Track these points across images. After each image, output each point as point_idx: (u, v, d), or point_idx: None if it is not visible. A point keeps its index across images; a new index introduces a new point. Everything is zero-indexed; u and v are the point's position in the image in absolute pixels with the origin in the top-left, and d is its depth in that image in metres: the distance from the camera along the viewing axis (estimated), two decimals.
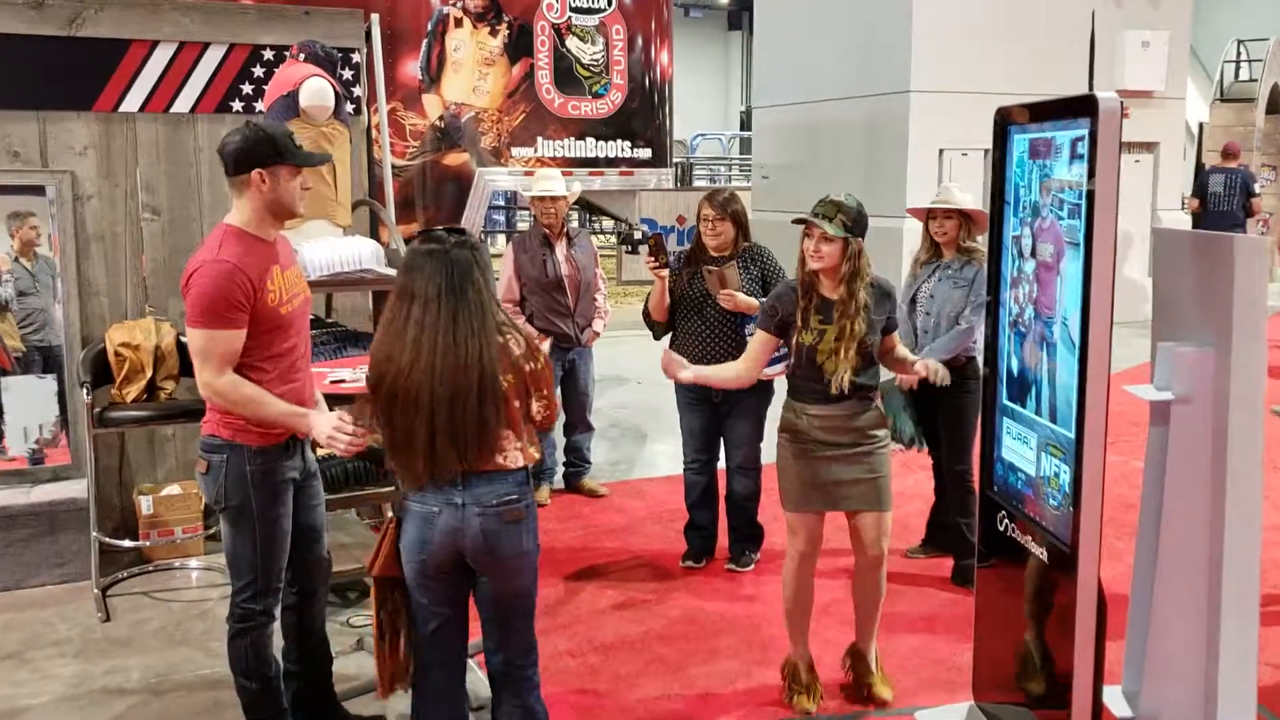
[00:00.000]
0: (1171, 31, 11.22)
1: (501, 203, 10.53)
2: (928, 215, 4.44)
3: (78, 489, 4.58)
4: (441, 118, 7.61)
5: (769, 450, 4.75)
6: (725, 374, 3.68)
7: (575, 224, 11.60)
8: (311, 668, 3.38)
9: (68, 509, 4.55)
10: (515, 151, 7.86)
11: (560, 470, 5.88)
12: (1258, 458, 2.98)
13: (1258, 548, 3.02)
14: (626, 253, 8.94)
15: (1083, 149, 2.74)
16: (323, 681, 3.41)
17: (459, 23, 7.55)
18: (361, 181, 5.31)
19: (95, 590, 4.37)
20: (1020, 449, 3.16)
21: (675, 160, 11.46)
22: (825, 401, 3.42)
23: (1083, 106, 2.72)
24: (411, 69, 7.46)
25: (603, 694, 3.68)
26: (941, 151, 10.30)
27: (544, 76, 7.84)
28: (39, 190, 4.68)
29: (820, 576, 3.65)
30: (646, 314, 4.69)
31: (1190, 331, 3.06)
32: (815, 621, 3.69)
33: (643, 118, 8.28)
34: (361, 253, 4.23)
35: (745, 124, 25.62)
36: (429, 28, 7.45)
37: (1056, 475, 2.95)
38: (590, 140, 8.06)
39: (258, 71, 4.94)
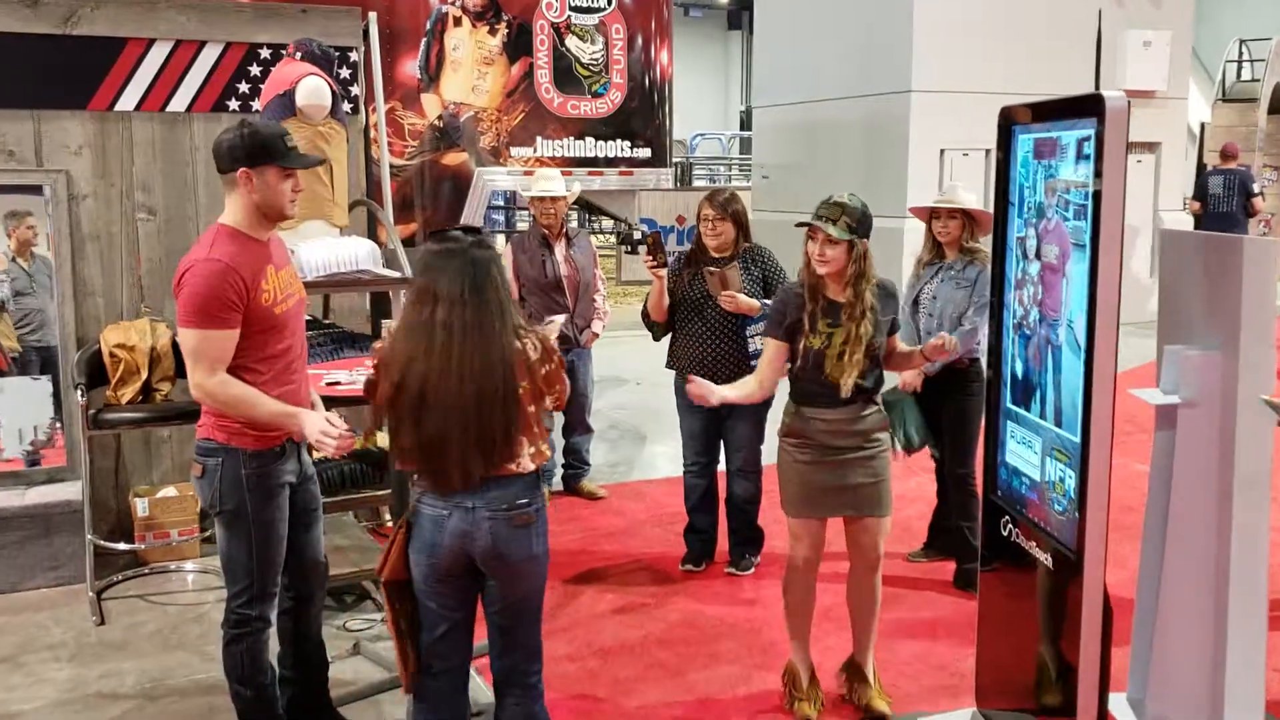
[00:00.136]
0: (1173, 31, 11.19)
1: (500, 203, 10.48)
2: (931, 215, 4.40)
3: (73, 491, 4.54)
4: (440, 117, 7.58)
5: (769, 453, 4.74)
6: (748, 389, 3.55)
7: (574, 224, 11.56)
8: (307, 673, 3.35)
9: (63, 511, 4.51)
10: (514, 151, 7.84)
11: (559, 472, 5.85)
12: (1266, 461, 2.95)
13: (1265, 552, 2.99)
14: (626, 253, 8.90)
15: (1089, 149, 2.71)
16: (319, 687, 3.38)
17: (458, 21, 7.52)
18: (359, 181, 5.28)
19: (90, 593, 4.33)
20: (1024, 453, 3.13)
21: (675, 160, 11.43)
22: (831, 405, 3.37)
23: (1089, 106, 2.68)
24: (410, 68, 7.43)
25: (602, 699, 3.65)
26: (942, 151, 10.27)
27: (543, 76, 7.82)
28: (36, 190, 4.65)
29: (820, 580, 3.61)
30: (645, 314, 4.66)
31: (1197, 334, 3.03)
32: (816, 626, 3.65)
33: (642, 117, 8.25)
34: (358, 253, 4.20)
35: (745, 124, 25.60)
36: (427, 26, 7.43)
37: (1061, 480, 2.92)
38: (590, 140, 8.03)
39: (254, 70, 4.91)
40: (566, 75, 7.90)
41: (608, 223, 11.60)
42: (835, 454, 3.38)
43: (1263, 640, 3.01)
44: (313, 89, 4.19)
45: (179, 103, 4.84)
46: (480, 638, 2.89)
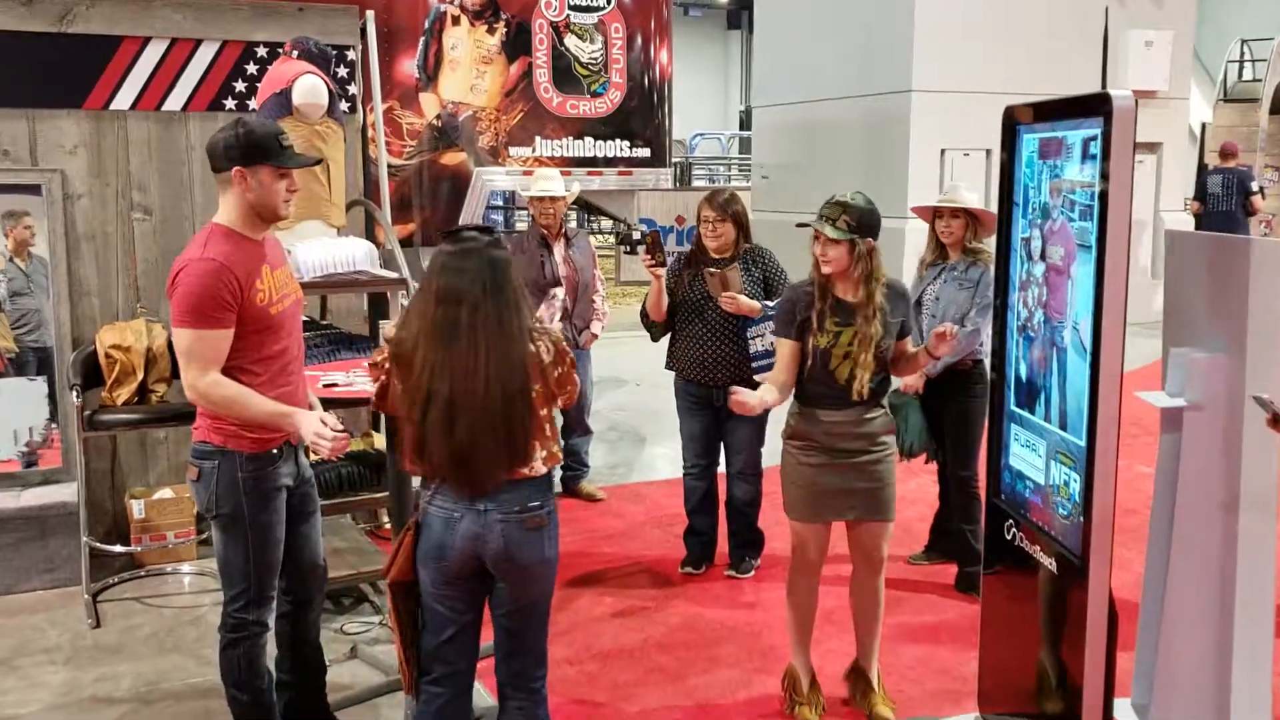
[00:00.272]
0: (1175, 31, 11.16)
1: (499, 203, 10.45)
2: (934, 214, 4.37)
3: (68, 492, 4.51)
4: (439, 116, 7.55)
5: (770, 455, 4.71)
6: (773, 397, 3.43)
7: (573, 224, 11.54)
8: (305, 678, 3.32)
9: (58, 513, 4.49)
10: (513, 151, 7.80)
11: (557, 474, 5.82)
12: (1273, 465, 2.92)
13: (1272, 557, 2.96)
14: (625, 253, 8.87)
15: (1095, 149, 2.67)
16: (316, 692, 3.35)
17: (456, 20, 7.49)
18: (357, 181, 5.25)
19: (86, 596, 4.30)
20: (1028, 456, 3.10)
21: (674, 160, 11.40)
22: (838, 407, 3.33)
23: (1096, 105, 2.65)
24: (408, 67, 7.40)
25: (601, 704, 3.62)
26: (943, 152, 10.24)
27: (542, 75, 7.78)
28: (34, 189, 4.62)
29: (822, 583, 3.58)
30: (644, 314, 4.63)
31: (1203, 336, 2.99)
32: (817, 629, 3.62)
33: (642, 117, 8.22)
34: (355, 254, 4.17)
35: (744, 124, 25.55)
36: (426, 25, 7.39)
37: (1066, 484, 2.89)
38: (589, 139, 8.00)
39: (251, 69, 4.88)
40: (565, 74, 7.86)
41: (606, 223, 11.58)
42: (841, 457, 3.34)
43: (1269, 646, 2.98)
44: (309, 88, 4.15)
45: (175, 102, 4.80)
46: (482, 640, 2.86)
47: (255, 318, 2.89)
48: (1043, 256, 2.98)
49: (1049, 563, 2.97)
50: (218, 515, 2.98)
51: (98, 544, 4.50)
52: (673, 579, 4.66)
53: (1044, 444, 3.00)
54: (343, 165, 4.49)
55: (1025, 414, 3.11)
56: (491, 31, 7.61)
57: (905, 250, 8.20)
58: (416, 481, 3.64)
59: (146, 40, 4.72)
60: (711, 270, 4.32)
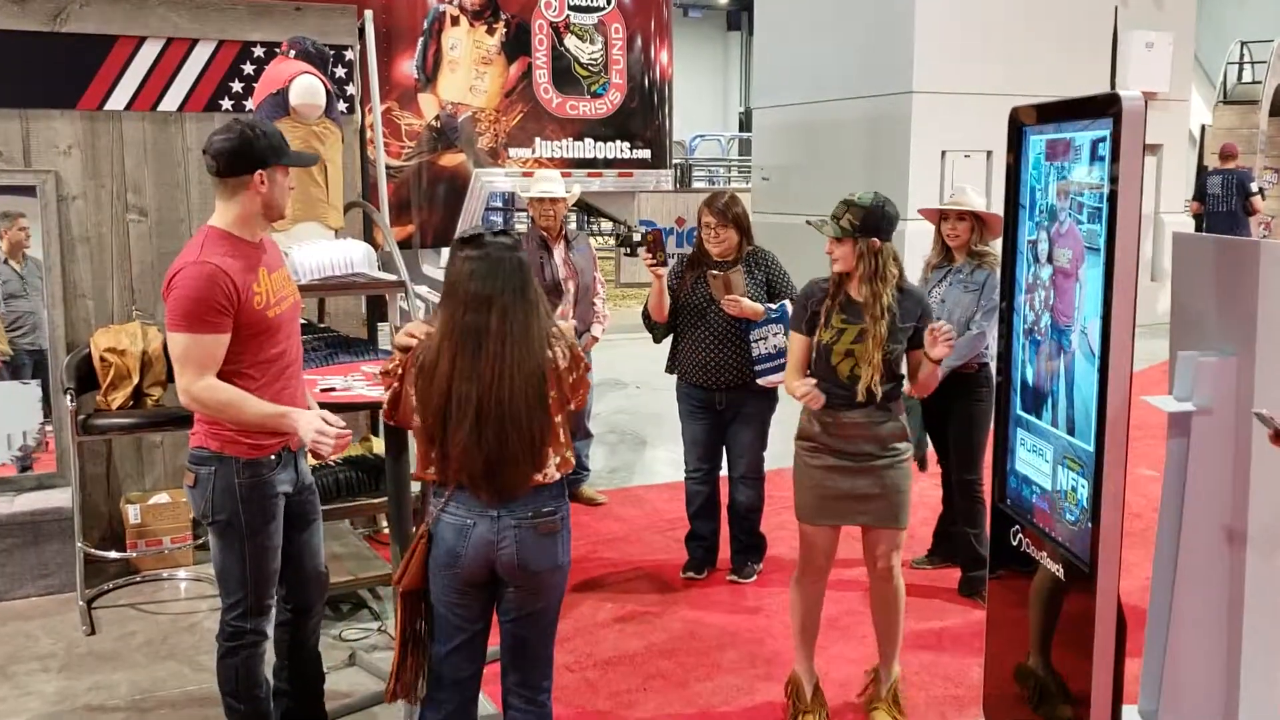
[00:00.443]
0: (1175, 33, 11.14)
1: (499, 204, 10.41)
2: (940, 217, 4.34)
3: (63, 498, 4.47)
4: (438, 117, 7.51)
5: (772, 459, 4.68)
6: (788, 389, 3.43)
7: (573, 226, 11.50)
8: (303, 686, 3.28)
9: (53, 518, 4.44)
10: (513, 152, 7.76)
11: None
12: None
13: None
14: (625, 255, 8.84)
15: (1104, 150, 2.64)
16: (314, 701, 3.31)
17: (455, 20, 7.45)
18: (355, 183, 5.21)
19: (80, 602, 4.26)
20: (1035, 461, 3.06)
21: (674, 162, 11.36)
22: (844, 408, 3.29)
23: (1105, 106, 2.61)
24: (407, 68, 7.36)
25: (604, 712, 3.58)
26: (944, 153, 10.21)
27: (542, 76, 7.75)
28: (29, 191, 4.58)
29: (827, 588, 3.54)
30: (646, 315, 4.59)
31: (1212, 339, 2.95)
32: (820, 635, 3.58)
33: (642, 118, 8.18)
34: (353, 256, 4.13)
35: (744, 125, 25.54)
36: (425, 25, 7.36)
37: (1074, 489, 2.85)
38: (589, 141, 7.96)
39: (247, 69, 4.84)
40: (565, 75, 7.83)
41: (606, 224, 11.54)
42: (849, 459, 3.30)
43: (1278, 652, 2.93)
44: (307, 88, 4.11)
45: (170, 102, 4.76)
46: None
47: (252, 321, 2.85)
48: (1050, 259, 2.94)
49: (1056, 569, 2.94)
50: (214, 522, 2.94)
51: (92, 550, 4.46)
52: (674, 584, 4.61)
53: (1051, 449, 2.96)
54: (340, 166, 4.45)
55: (1032, 418, 3.07)
56: (491, 32, 7.57)
57: (906, 252, 8.15)
58: (416, 487, 3.61)
59: (141, 40, 4.68)
60: (714, 273, 4.28)
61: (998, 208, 3.59)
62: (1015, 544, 3.15)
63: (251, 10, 4.88)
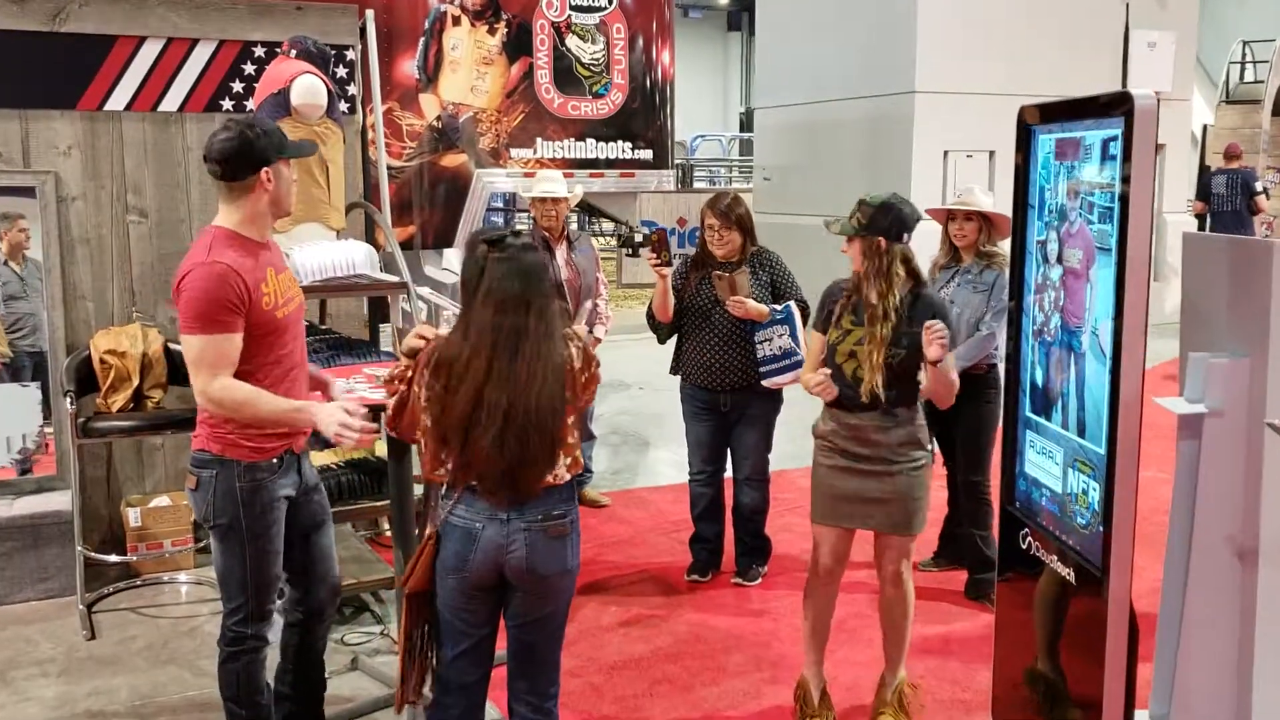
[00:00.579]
0: (1178, 33, 11.11)
1: (500, 205, 10.38)
2: (947, 217, 4.31)
3: (62, 501, 4.44)
4: (439, 118, 7.47)
5: (776, 461, 4.65)
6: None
7: (574, 226, 11.47)
8: (306, 691, 3.25)
9: (52, 521, 4.41)
10: (514, 153, 7.72)
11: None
12: None
13: None
14: (627, 255, 8.81)
15: (1115, 149, 2.60)
16: (315, 705, 3.28)
17: (457, 20, 7.41)
18: (356, 183, 5.17)
19: (80, 606, 4.23)
20: (1044, 464, 3.03)
21: (675, 162, 11.34)
22: (852, 409, 3.27)
23: (1116, 105, 2.58)
24: (408, 68, 7.32)
25: (610, 717, 3.55)
26: (946, 153, 10.18)
27: (543, 76, 7.71)
28: (29, 192, 4.55)
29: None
30: (650, 315, 4.56)
31: (1224, 341, 2.92)
32: (830, 638, 3.55)
33: (644, 118, 8.14)
34: (355, 257, 4.09)
35: (744, 125, 25.52)
36: (426, 25, 7.31)
37: (1085, 492, 2.82)
38: (590, 141, 7.92)
39: (248, 69, 4.81)
40: (567, 75, 7.78)
41: (607, 225, 11.51)
42: (858, 461, 3.28)
43: None
44: (308, 88, 4.08)
45: (171, 102, 4.73)
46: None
47: (262, 322, 2.83)
48: (1059, 260, 2.91)
49: (1066, 572, 2.90)
50: (215, 525, 2.91)
51: (93, 553, 4.42)
52: (679, 587, 4.58)
53: (1061, 451, 2.93)
54: (342, 167, 4.42)
55: (1041, 420, 3.04)
56: (492, 32, 7.53)
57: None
58: (417, 489, 3.58)
59: (141, 40, 4.65)
60: (720, 274, 4.26)
61: (1001, 208, 3.56)
62: (1024, 547, 3.12)
63: (252, 10, 4.85)
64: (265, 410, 2.82)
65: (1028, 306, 3.10)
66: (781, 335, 4.25)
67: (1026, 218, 3.08)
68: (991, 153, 10.10)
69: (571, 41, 7.77)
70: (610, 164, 8.00)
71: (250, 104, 4.66)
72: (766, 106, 12.85)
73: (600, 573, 4.74)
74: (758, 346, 4.30)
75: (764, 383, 4.34)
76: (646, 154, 8.13)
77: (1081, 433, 2.82)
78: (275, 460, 2.92)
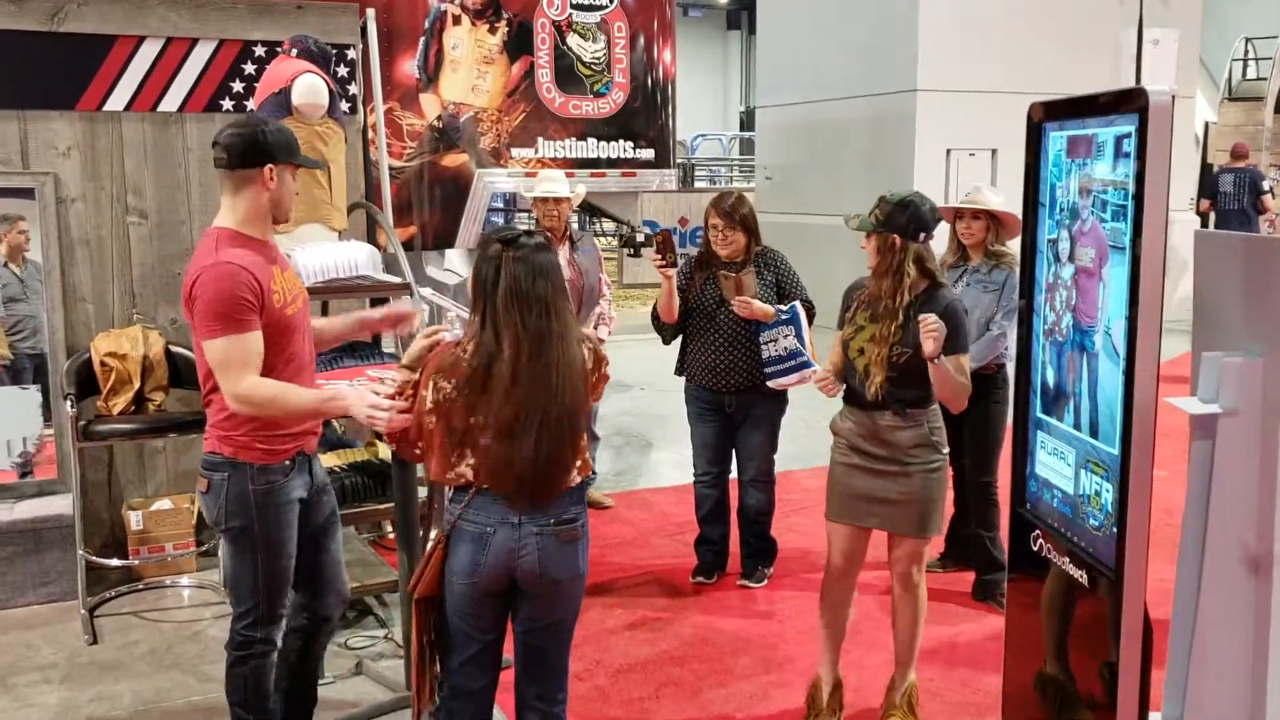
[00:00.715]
0: (1181, 30, 11.08)
1: (501, 205, 10.35)
2: (955, 216, 4.28)
3: (63, 504, 4.41)
4: (439, 118, 7.44)
5: (782, 462, 4.62)
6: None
7: (576, 226, 11.43)
8: (300, 695, 3.22)
9: (53, 525, 4.38)
10: (515, 152, 7.69)
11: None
12: None
13: None
14: (628, 255, 8.77)
15: (1129, 146, 2.57)
16: (305, 711, 3.24)
17: (457, 20, 7.38)
18: (357, 183, 5.15)
19: (82, 611, 4.19)
20: (1056, 465, 2.99)
21: (677, 161, 11.31)
22: (861, 407, 3.28)
23: (1130, 101, 2.54)
24: (409, 67, 7.29)
25: None
26: (949, 152, 10.15)
27: (544, 75, 7.68)
28: (28, 193, 4.52)
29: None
30: (655, 316, 4.52)
31: (1237, 340, 2.89)
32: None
33: (645, 117, 8.11)
34: (357, 258, 4.06)
35: (745, 124, 25.50)
36: (426, 25, 7.28)
37: (1098, 494, 2.78)
38: (592, 140, 7.89)
39: (249, 68, 4.77)
40: (568, 74, 7.76)
41: (609, 225, 11.47)
42: (871, 460, 3.27)
43: None
44: (309, 87, 4.05)
45: (170, 102, 4.70)
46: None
47: (274, 320, 2.81)
48: (1071, 258, 2.88)
49: (1079, 575, 2.87)
50: (227, 529, 2.89)
51: (94, 557, 4.39)
52: (684, 589, 4.55)
53: (1073, 452, 2.90)
54: (343, 167, 4.39)
55: (1053, 421, 3.01)
56: (493, 31, 7.50)
57: None
58: (421, 492, 3.55)
59: (141, 39, 4.62)
60: (726, 274, 4.22)
61: (1007, 206, 3.53)
62: (1035, 549, 3.08)
63: (252, 9, 4.81)
64: (294, 403, 2.79)
65: (1038, 306, 3.06)
66: (787, 336, 4.22)
67: (1037, 216, 3.05)
68: (994, 151, 10.06)
69: (573, 40, 7.74)
70: (612, 163, 7.98)
71: (251, 103, 4.63)
72: (767, 105, 12.82)
73: (605, 575, 4.71)
74: (763, 347, 4.27)
75: (769, 384, 4.31)
76: (648, 153, 8.11)
77: (1094, 433, 2.79)
78: (288, 462, 2.89)
